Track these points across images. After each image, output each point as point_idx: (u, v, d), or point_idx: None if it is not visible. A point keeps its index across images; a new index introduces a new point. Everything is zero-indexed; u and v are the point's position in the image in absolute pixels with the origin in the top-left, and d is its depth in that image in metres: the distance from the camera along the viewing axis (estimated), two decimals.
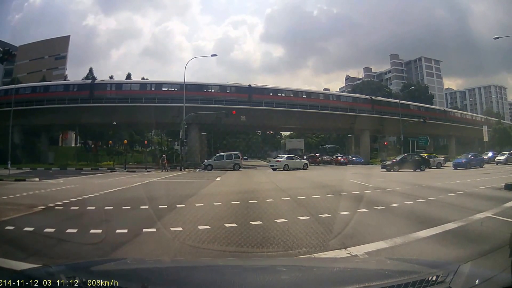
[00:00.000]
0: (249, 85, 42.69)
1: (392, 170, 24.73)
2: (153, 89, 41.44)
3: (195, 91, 38.98)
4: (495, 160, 33.83)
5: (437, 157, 31.77)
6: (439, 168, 28.49)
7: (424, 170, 24.81)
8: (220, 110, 36.05)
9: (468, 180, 15.41)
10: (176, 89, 40.28)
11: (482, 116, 72.16)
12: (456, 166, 27.61)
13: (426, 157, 28.24)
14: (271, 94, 43.57)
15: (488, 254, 4.20)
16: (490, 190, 11.50)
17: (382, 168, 26.86)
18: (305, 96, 45.29)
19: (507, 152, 35.93)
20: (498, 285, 1.71)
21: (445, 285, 1.71)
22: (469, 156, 29.48)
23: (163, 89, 41.45)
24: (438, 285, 1.72)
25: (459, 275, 1.79)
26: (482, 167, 27.47)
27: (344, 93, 48.94)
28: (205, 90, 41.71)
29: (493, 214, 6.91)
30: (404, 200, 9.08)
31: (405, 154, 29.67)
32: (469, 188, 11.89)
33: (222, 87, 43.09)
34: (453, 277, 1.75)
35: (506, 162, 32.14)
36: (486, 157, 33.09)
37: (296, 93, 45.88)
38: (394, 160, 27.41)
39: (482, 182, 14.37)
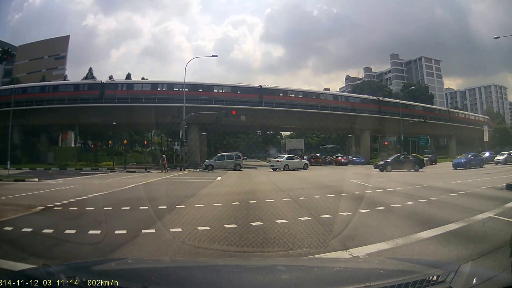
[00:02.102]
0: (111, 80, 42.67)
1: (385, 171, 24.35)
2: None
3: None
4: (495, 160, 33.58)
5: (420, 157, 31.54)
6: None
7: (418, 171, 24.43)
8: (220, 110, 36.06)
9: (469, 180, 15.39)
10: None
11: (477, 115, 71.97)
12: (455, 166, 27.39)
13: (412, 158, 27.73)
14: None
15: (489, 254, 4.20)
16: (492, 190, 11.46)
17: (375, 168, 26.45)
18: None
19: (507, 152, 35.69)
20: (498, 285, 1.70)
21: (446, 285, 1.70)
22: (469, 156, 29.27)
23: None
24: (438, 285, 1.71)
25: (459, 275, 1.78)
26: (482, 167, 27.33)
27: (225, 84, 45.11)
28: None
29: (494, 215, 6.88)
30: (405, 200, 9.05)
31: (398, 154, 29.47)
32: (470, 188, 11.85)
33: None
34: (454, 277, 1.74)
35: (505, 162, 31.93)
36: (483, 157, 32.79)
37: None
38: (386, 160, 27.01)
39: (483, 182, 14.34)
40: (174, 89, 41.62)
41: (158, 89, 41.89)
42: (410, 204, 8.52)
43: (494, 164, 31.89)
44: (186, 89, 35.56)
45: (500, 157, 33.68)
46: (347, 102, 48.75)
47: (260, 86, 43.91)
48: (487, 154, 36.99)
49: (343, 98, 49.18)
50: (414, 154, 32.90)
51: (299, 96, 45.79)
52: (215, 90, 42.80)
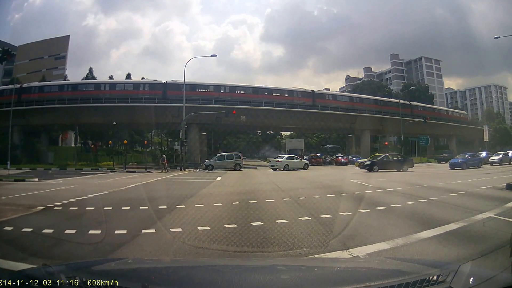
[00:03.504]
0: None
1: (372, 171, 23.40)
2: None
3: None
4: (489, 160, 32.23)
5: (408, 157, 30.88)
6: None
7: (407, 171, 23.62)
8: (220, 110, 36.08)
9: (469, 180, 15.37)
10: None
11: (450, 109, 69.55)
12: (452, 166, 26.57)
13: (401, 158, 27.10)
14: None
15: (489, 254, 4.20)
16: (492, 190, 11.44)
17: (362, 168, 25.60)
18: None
19: (502, 152, 34.94)
20: (498, 284, 1.70)
21: (446, 284, 1.70)
22: (466, 156, 28.63)
23: None
24: (438, 285, 1.71)
25: (459, 274, 1.78)
26: (480, 167, 26.72)
27: (127, 81, 47.35)
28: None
29: (495, 215, 6.87)
30: (406, 200, 9.04)
31: (387, 154, 29.01)
32: (470, 188, 11.84)
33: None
34: (454, 276, 1.75)
35: (500, 162, 30.90)
36: (481, 157, 31.63)
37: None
38: (373, 160, 26.13)
39: (483, 182, 14.32)
40: (79, 89, 43.00)
41: (65, 89, 43.46)
42: (410, 204, 8.51)
43: (490, 164, 30.77)
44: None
45: (495, 157, 32.60)
46: (275, 95, 45.41)
47: (166, 81, 43.54)
48: (483, 154, 36.12)
49: (265, 91, 46.21)
50: (400, 154, 32.24)
51: (212, 90, 44.17)
52: (140, 88, 43.20)
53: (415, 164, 27.52)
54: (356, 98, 52.59)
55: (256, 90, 45.78)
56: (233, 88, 45.03)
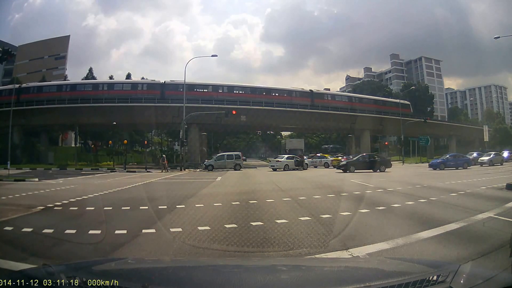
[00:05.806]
0: None
1: (348, 171, 23.14)
2: None
3: None
4: (479, 160, 30.65)
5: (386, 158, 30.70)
6: None
7: (384, 171, 23.43)
8: (220, 110, 36.07)
9: (469, 180, 15.39)
10: None
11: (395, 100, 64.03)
12: (432, 166, 26.19)
13: (378, 158, 26.70)
14: None
15: (489, 254, 4.19)
16: (492, 190, 11.44)
17: (337, 168, 25.30)
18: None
19: (493, 152, 34.01)
20: (498, 284, 1.69)
21: (446, 285, 1.69)
22: (447, 156, 28.21)
23: None
24: (438, 285, 1.71)
25: (459, 275, 1.77)
26: (465, 168, 25.61)
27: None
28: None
29: (495, 215, 6.87)
30: (406, 200, 9.04)
31: (364, 154, 28.85)
32: (470, 188, 11.84)
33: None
34: (454, 277, 1.74)
35: (491, 163, 29.69)
36: (471, 158, 30.32)
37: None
38: (349, 160, 25.76)
39: (483, 182, 14.33)
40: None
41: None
42: (410, 204, 8.51)
43: (479, 165, 29.29)
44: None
45: (484, 158, 31.23)
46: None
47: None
48: (475, 154, 34.72)
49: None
50: (376, 154, 31.78)
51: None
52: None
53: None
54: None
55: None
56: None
